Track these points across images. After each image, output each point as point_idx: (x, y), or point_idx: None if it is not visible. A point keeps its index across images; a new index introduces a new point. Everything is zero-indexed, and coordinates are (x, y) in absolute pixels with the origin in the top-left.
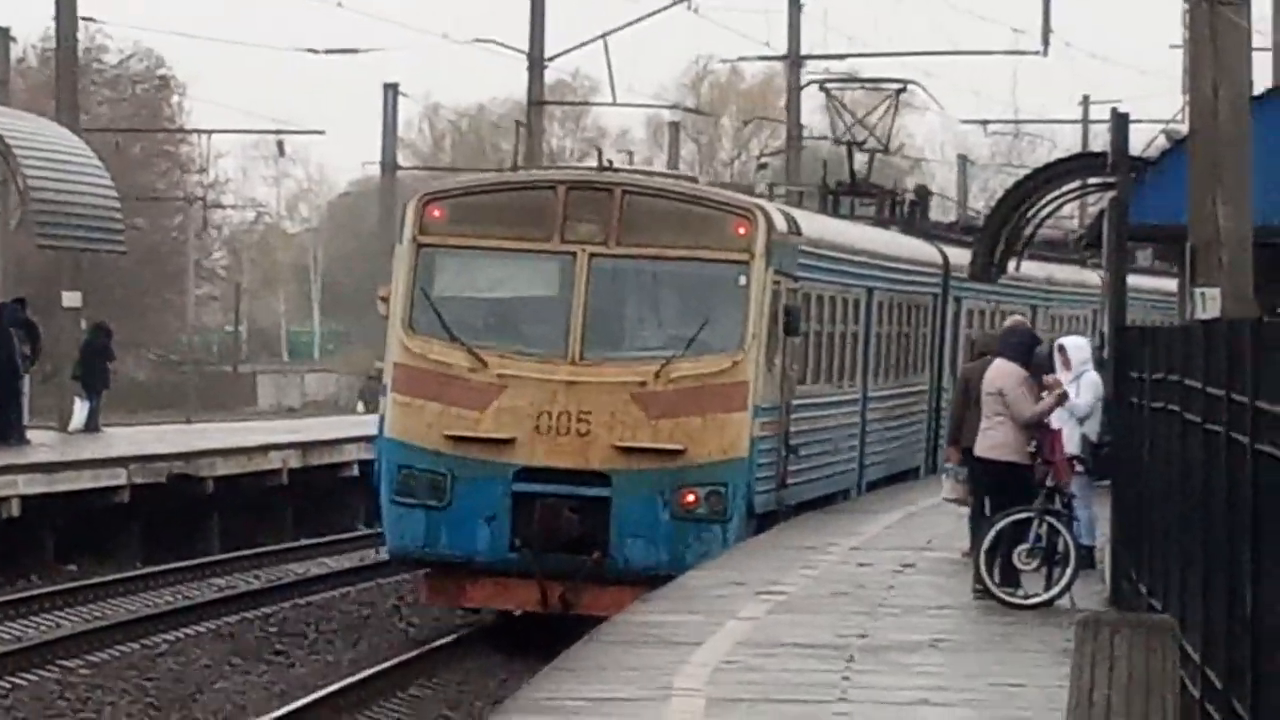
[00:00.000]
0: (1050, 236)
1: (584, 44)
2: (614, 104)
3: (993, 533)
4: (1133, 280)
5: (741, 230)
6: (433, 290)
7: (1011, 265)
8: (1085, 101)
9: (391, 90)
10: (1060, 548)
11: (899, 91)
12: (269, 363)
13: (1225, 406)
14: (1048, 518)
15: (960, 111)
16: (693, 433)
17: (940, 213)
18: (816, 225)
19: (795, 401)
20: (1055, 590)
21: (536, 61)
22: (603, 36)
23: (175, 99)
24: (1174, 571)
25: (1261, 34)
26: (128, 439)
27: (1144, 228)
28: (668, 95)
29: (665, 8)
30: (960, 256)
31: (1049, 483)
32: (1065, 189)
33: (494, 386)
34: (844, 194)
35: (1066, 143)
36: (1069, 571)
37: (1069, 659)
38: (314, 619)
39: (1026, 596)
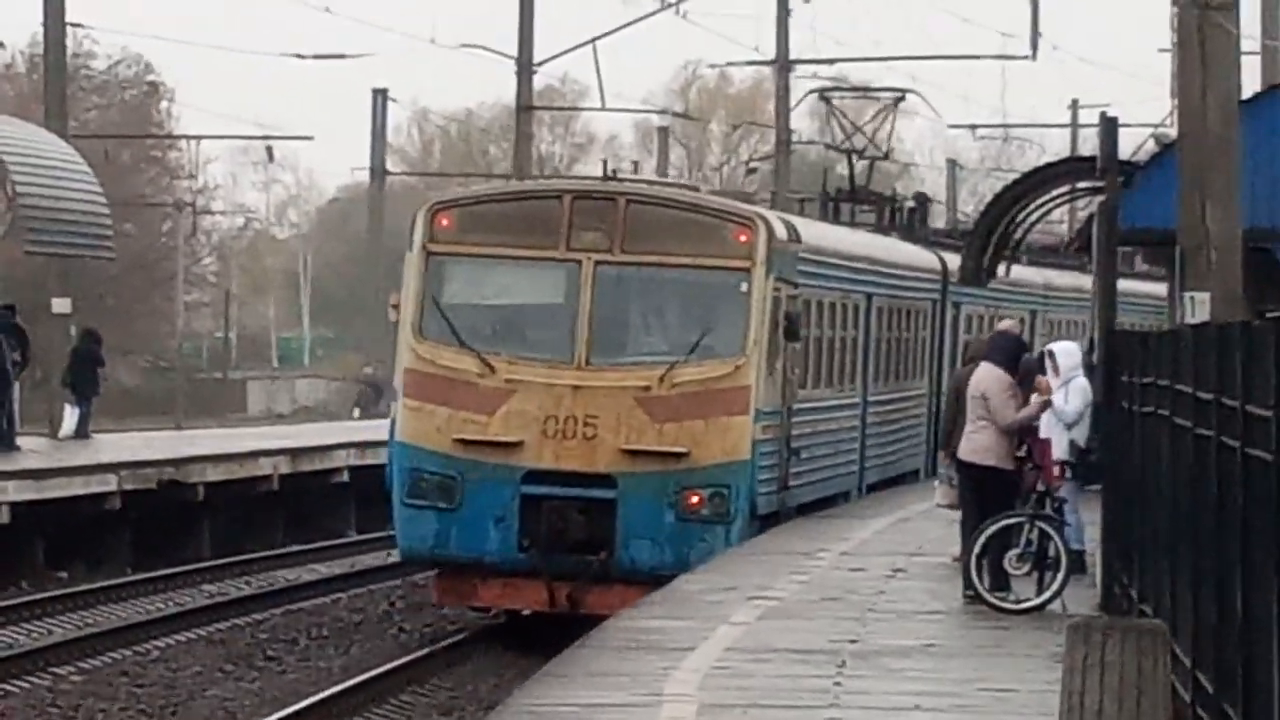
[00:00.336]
0: (1048, 243)
1: (573, 49)
2: (603, 109)
3: (983, 538)
4: (1128, 285)
5: (743, 238)
6: (442, 297)
7: (1001, 270)
8: (1074, 106)
9: (380, 95)
10: (1051, 553)
11: (898, 100)
12: (259, 369)
13: (1215, 411)
14: (1038, 522)
15: (949, 116)
16: (696, 436)
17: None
18: (816, 233)
19: (796, 405)
20: (1046, 595)
21: (525, 66)
22: (591, 41)
23: (164, 105)
24: (1165, 576)
25: (1250, 38)
26: (118, 445)
27: (1133, 232)
28: (656, 100)
29: (654, 13)
30: (958, 263)
31: (1039, 487)
32: (1054, 193)
33: (502, 391)
34: (844, 201)
35: (1055, 147)
36: (1060, 576)
37: (1060, 664)
38: (305, 625)
39: (1017, 601)
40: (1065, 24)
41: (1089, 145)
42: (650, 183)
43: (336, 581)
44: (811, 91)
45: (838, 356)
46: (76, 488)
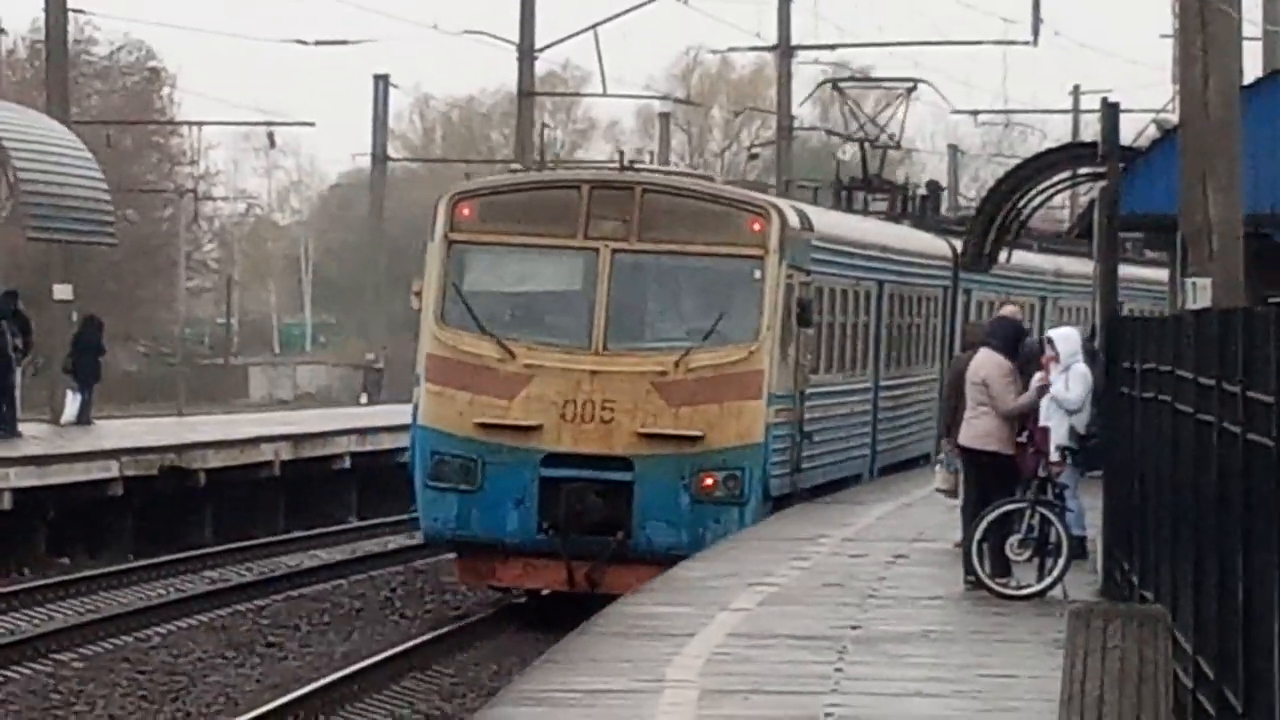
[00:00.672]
0: (1058, 230)
1: (574, 35)
2: (604, 95)
3: (984, 523)
4: (1134, 271)
5: (756, 226)
6: (463, 285)
7: (1003, 255)
8: (1076, 91)
9: (382, 82)
10: (1052, 538)
11: (909, 90)
12: (260, 355)
13: (1216, 396)
14: (1039, 508)
15: (951, 102)
16: (711, 420)
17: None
18: (828, 221)
19: (809, 390)
20: (1047, 581)
21: (527, 52)
22: (593, 27)
23: (165, 91)
24: (1165, 562)
25: (1252, 23)
26: (119, 431)
27: (1135, 217)
28: (658, 86)
29: None
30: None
31: (1040, 473)
32: (1056, 179)
33: (522, 376)
34: (857, 189)
35: (1057, 133)
36: (1061, 562)
37: (1061, 650)
38: (306, 611)
39: (1019, 587)
40: (1067, 10)
41: (1090, 131)
42: (666, 172)
43: (338, 567)
44: (825, 81)
45: (850, 342)
46: (78, 474)
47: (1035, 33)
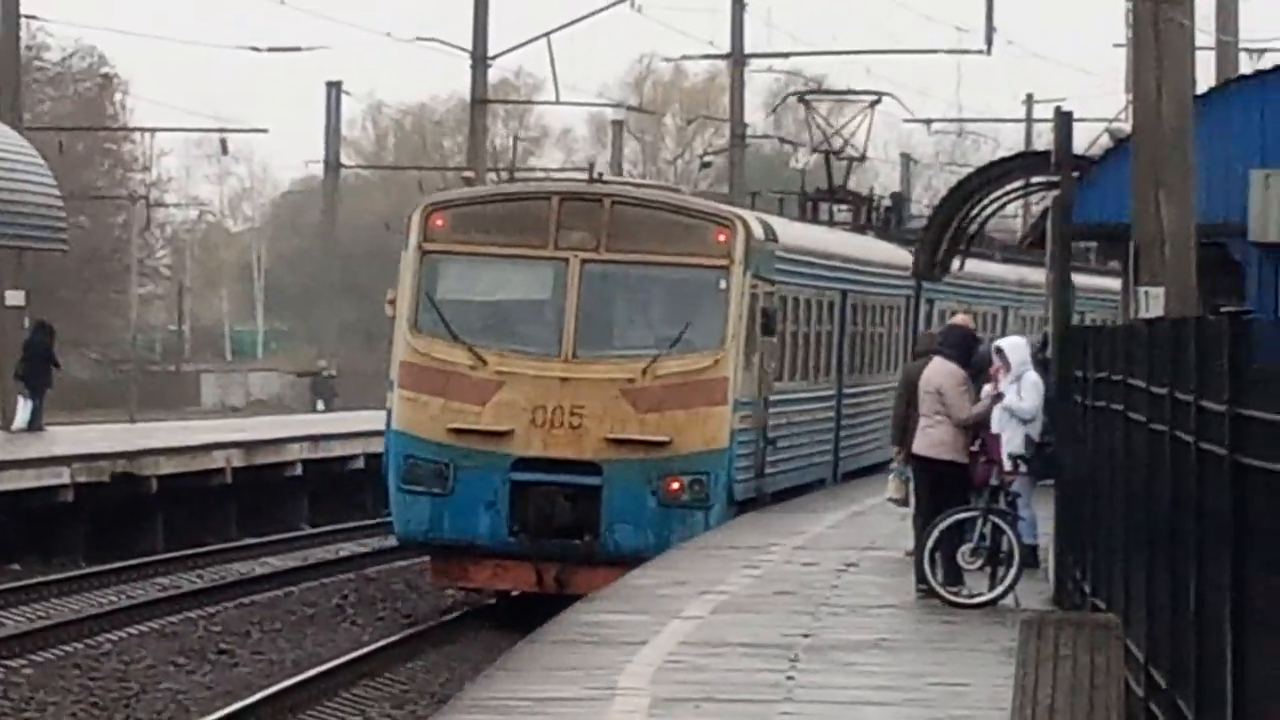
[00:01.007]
0: (1013, 239)
1: (527, 42)
2: (557, 102)
3: (936, 532)
4: (1095, 281)
5: (722, 238)
6: (436, 293)
7: (957, 264)
8: (1029, 100)
9: (334, 88)
10: (1004, 547)
11: (874, 103)
12: (212, 362)
13: (1169, 405)
14: (992, 517)
15: (903, 111)
16: (678, 425)
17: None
18: (793, 232)
19: (773, 397)
20: (999, 589)
21: (480, 60)
22: (546, 35)
23: (118, 97)
24: (1118, 570)
25: (1204, 33)
26: (71, 438)
27: (1087, 227)
28: (611, 94)
29: (608, 6)
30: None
31: (993, 481)
32: (1009, 188)
33: (493, 382)
34: (821, 200)
35: (1010, 142)
36: (1013, 571)
37: (1013, 658)
38: (258, 618)
39: (970, 596)
40: (1020, 19)
41: (1044, 140)
42: (634, 184)
43: (290, 574)
44: (791, 94)
45: (813, 350)
46: (29, 480)
47: (989, 42)
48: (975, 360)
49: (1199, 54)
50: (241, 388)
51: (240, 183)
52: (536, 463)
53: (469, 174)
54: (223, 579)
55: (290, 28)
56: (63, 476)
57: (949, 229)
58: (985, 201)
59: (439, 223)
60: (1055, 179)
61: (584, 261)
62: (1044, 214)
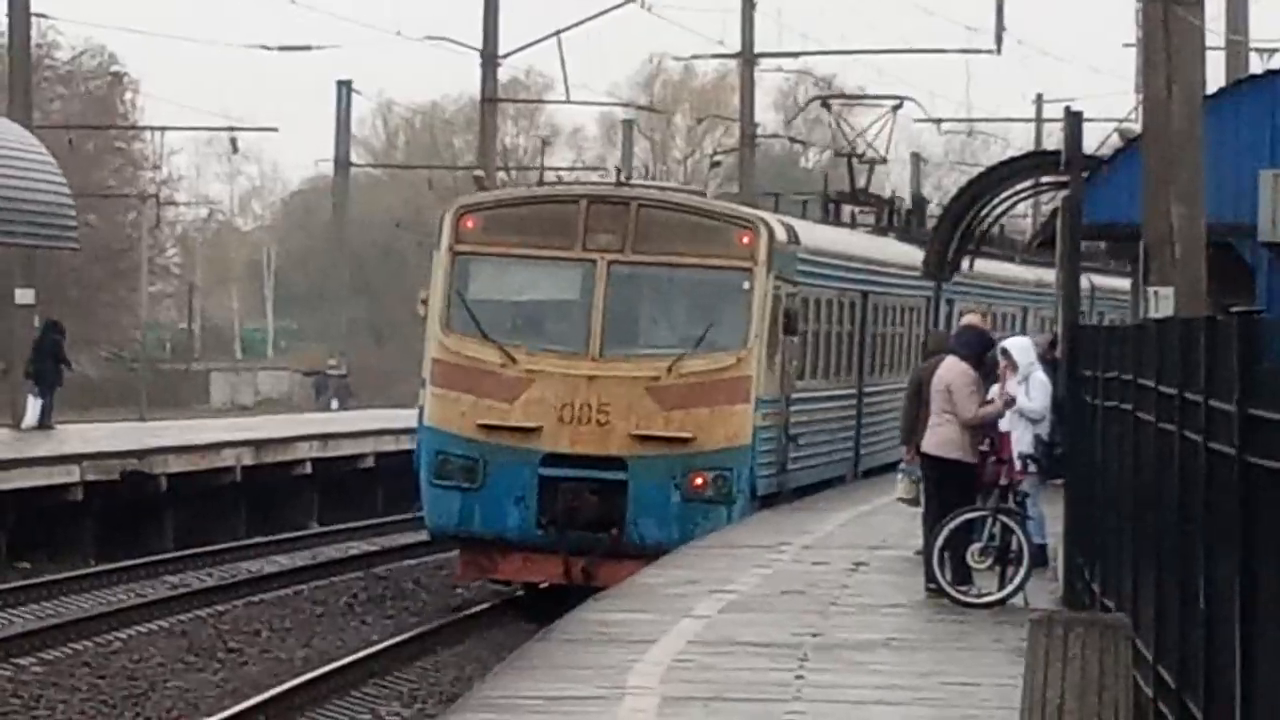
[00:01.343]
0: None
1: (537, 41)
2: (567, 101)
3: (945, 531)
4: (1114, 283)
5: (745, 240)
6: (467, 293)
7: (965, 264)
8: (1039, 100)
9: (345, 87)
10: (1013, 546)
11: (896, 107)
12: (222, 360)
13: (1178, 405)
14: (1001, 516)
15: (914, 110)
16: (701, 422)
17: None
18: (815, 235)
19: (794, 395)
20: (1008, 589)
21: (490, 59)
22: (556, 34)
23: (128, 95)
24: (1127, 570)
25: (1215, 33)
26: (80, 436)
27: (1097, 226)
28: (621, 93)
29: (619, 5)
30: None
31: (1002, 481)
32: (1018, 187)
33: (522, 380)
34: (844, 202)
35: (1020, 141)
36: (1022, 570)
37: (1022, 658)
38: (267, 617)
39: (980, 595)
40: (1030, 18)
41: (1053, 140)
42: (660, 188)
43: (299, 573)
44: (814, 98)
45: (835, 350)
46: (39, 478)
47: (999, 41)
48: (987, 361)
49: (1209, 54)
50: (251, 386)
51: (250, 181)
52: (564, 458)
53: (479, 173)
54: (232, 577)
55: (300, 26)
56: (72, 475)
57: (959, 229)
58: (995, 201)
59: (470, 224)
60: (1065, 179)
61: (611, 263)
62: (1054, 214)
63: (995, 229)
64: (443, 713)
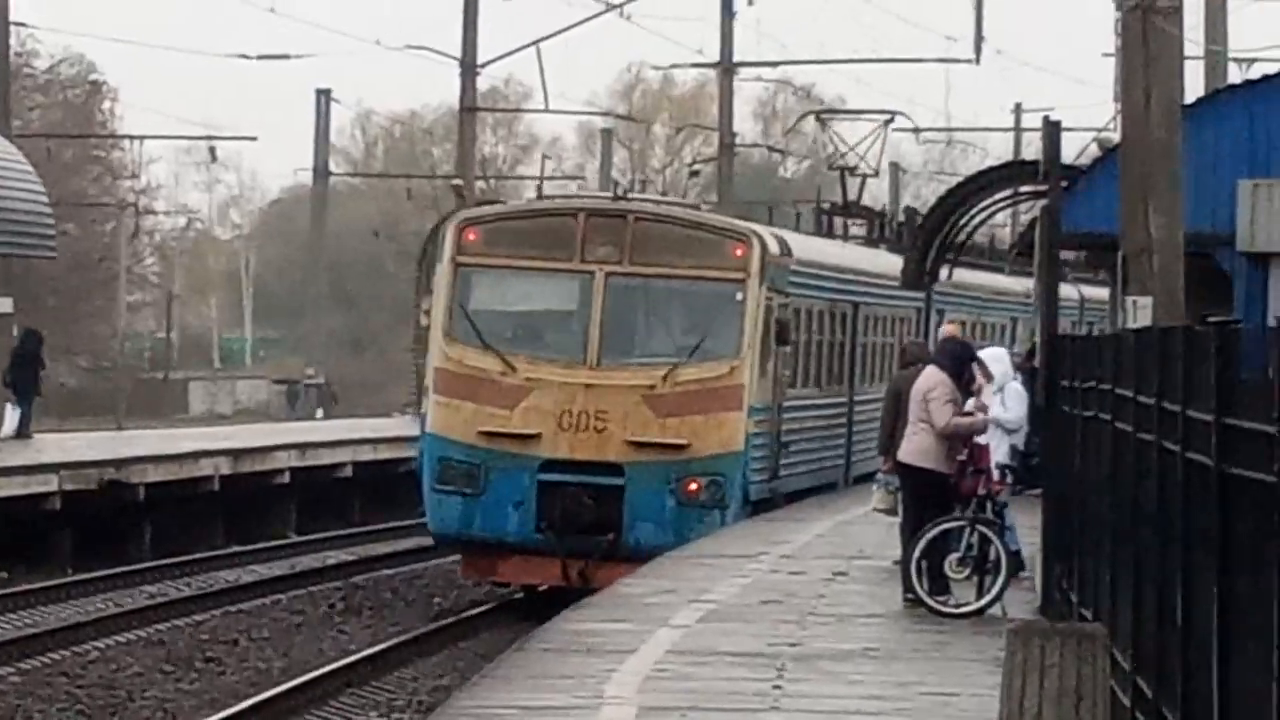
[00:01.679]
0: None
1: (516, 50)
2: (546, 110)
3: (923, 541)
4: (1101, 293)
5: (739, 252)
6: (469, 304)
7: (944, 273)
8: (1017, 109)
9: (324, 96)
10: (991, 556)
11: (887, 122)
12: (201, 369)
13: (1156, 415)
14: (979, 527)
15: (913, 119)
16: (696, 429)
17: None
18: (807, 247)
19: (786, 403)
20: (986, 599)
21: (469, 68)
22: (535, 43)
23: (107, 104)
24: (1105, 580)
25: (1193, 42)
26: (58, 446)
27: (1076, 236)
28: (600, 102)
29: (598, 15)
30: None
31: (980, 491)
32: (997, 197)
33: (522, 388)
34: (837, 214)
35: (999, 151)
36: (1000, 580)
37: (1000, 668)
38: (245, 626)
39: (957, 605)
40: (1009, 28)
41: (1032, 149)
42: (656, 201)
43: (276, 583)
44: (809, 113)
45: (826, 359)
46: (16, 488)
47: (977, 50)
48: (967, 372)
49: (1188, 64)
50: (230, 396)
51: (229, 190)
52: (563, 464)
53: (458, 182)
54: (210, 587)
55: (280, 36)
56: (50, 484)
57: (937, 238)
58: (974, 211)
59: (471, 237)
60: (1043, 188)
61: (608, 274)
62: (1032, 223)
63: (985, 240)
64: None
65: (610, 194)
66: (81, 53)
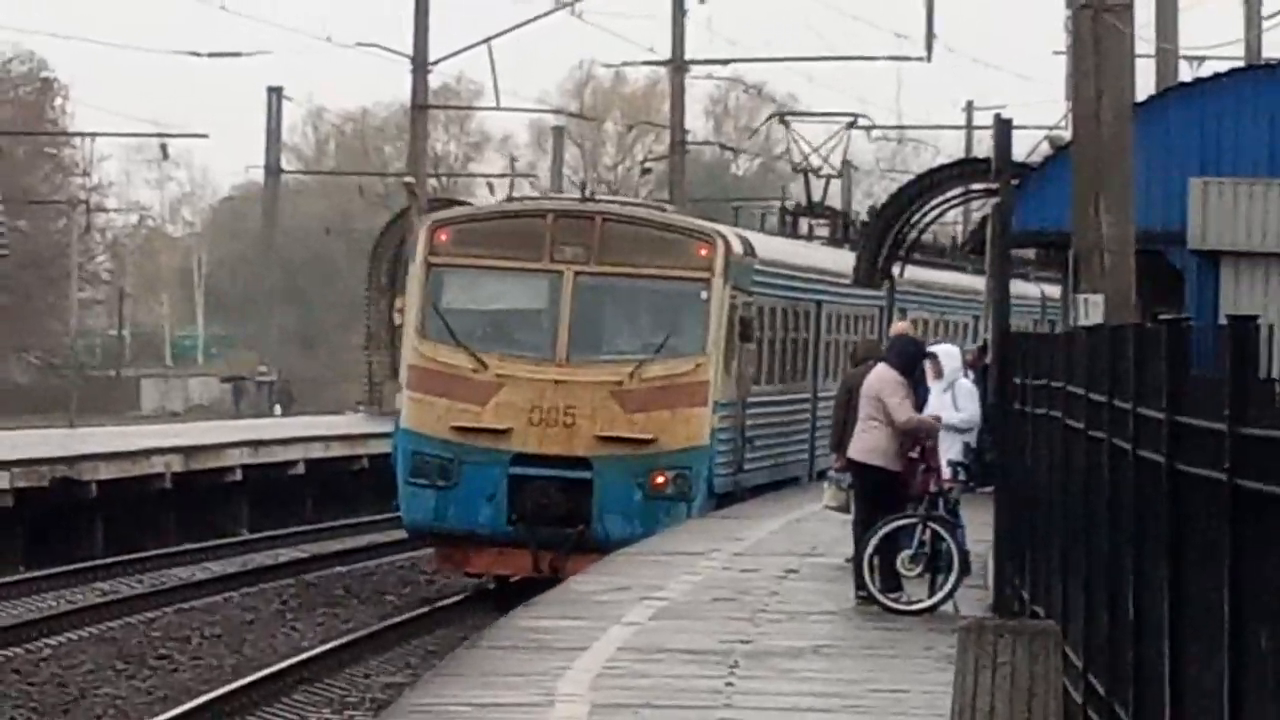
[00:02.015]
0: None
1: (468, 48)
2: (498, 108)
3: (875, 538)
4: (1054, 290)
5: (703, 252)
6: (441, 303)
7: (896, 270)
8: (969, 107)
9: (275, 94)
10: (943, 553)
11: (850, 124)
12: (152, 367)
13: (1107, 412)
14: (931, 523)
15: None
16: (662, 424)
17: None
18: (770, 247)
19: (751, 399)
20: (938, 596)
21: (420, 65)
22: (486, 41)
23: (58, 102)
24: (1057, 577)
25: (1144, 40)
26: (10, 443)
27: (1027, 234)
28: (551, 100)
29: (549, 12)
30: (906, 271)
31: (932, 488)
32: (948, 195)
33: (493, 384)
34: (801, 215)
35: (950, 149)
36: (952, 578)
37: (952, 665)
38: (197, 624)
39: (909, 602)
40: (960, 25)
41: (984, 147)
42: (623, 203)
43: (229, 580)
44: (773, 115)
45: (790, 356)
46: None
47: (929, 48)
48: (919, 369)
49: (1139, 62)
50: (181, 393)
51: (180, 188)
52: (533, 458)
53: (409, 180)
54: (162, 584)
55: (230, 33)
56: (2, 481)
57: (888, 236)
58: (925, 209)
59: (443, 238)
60: (995, 186)
61: (577, 273)
62: (984, 221)
63: (945, 239)
64: (373, 719)
65: (578, 195)
66: (32, 50)
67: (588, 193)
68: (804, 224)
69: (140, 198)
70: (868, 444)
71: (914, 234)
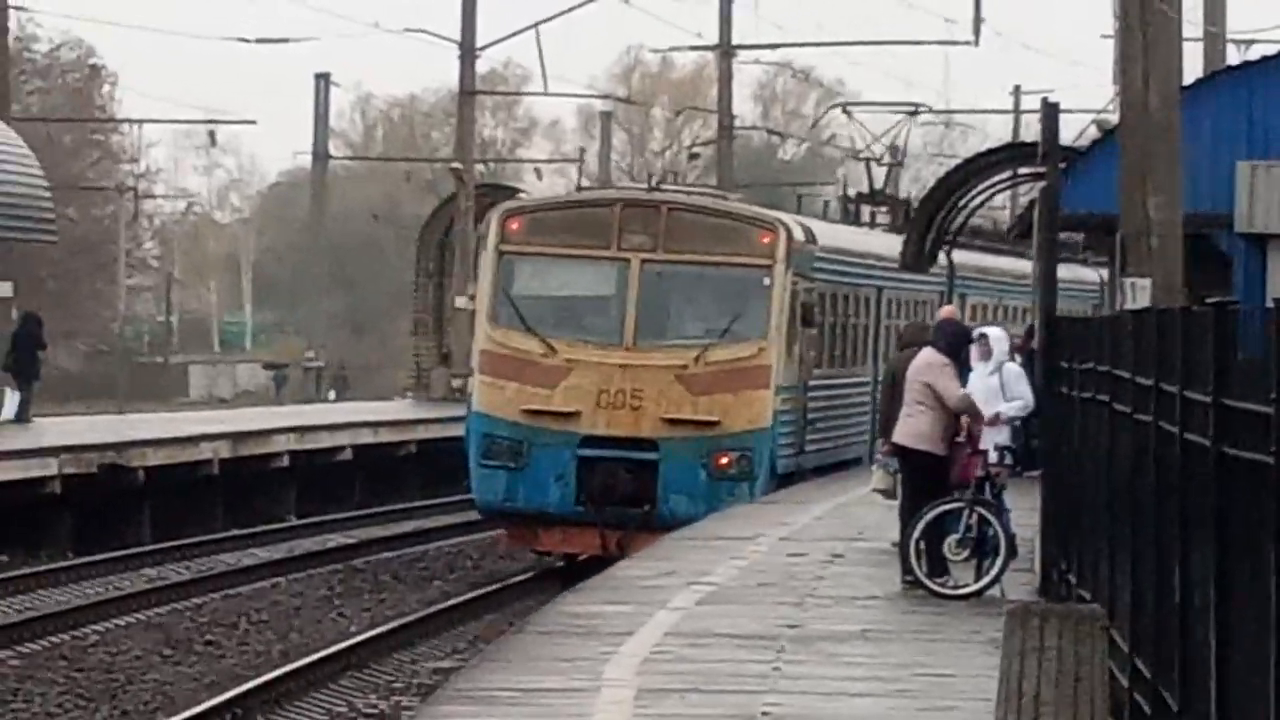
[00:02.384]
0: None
1: (515, 33)
2: (545, 94)
3: (922, 523)
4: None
5: (766, 240)
6: (512, 290)
7: (942, 255)
8: (1016, 91)
9: (323, 80)
10: (990, 538)
11: (911, 113)
12: (200, 353)
13: (1154, 396)
14: (978, 508)
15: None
16: (726, 407)
17: None
18: (831, 234)
19: (812, 382)
20: (985, 580)
21: (468, 51)
22: (534, 26)
23: (106, 88)
24: (1103, 561)
25: (1192, 24)
26: (58, 429)
27: (1075, 217)
28: (599, 85)
29: None
30: (964, 258)
31: (978, 473)
32: (996, 179)
33: (562, 369)
34: (863, 203)
35: (998, 133)
36: (999, 562)
37: (998, 649)
38: (244, 610)
39: (956, 587)
40: (1008, 10)
41: (1031, 131)
42: (688, 191)
43: (276, 566)
44: (835, 105)
45: (850, 340)
46: (16, 472)
47: (976, 33)
48: (964, 353)
49: (1186, 45)
50: (229, 379)
51: (228, 174)
52: (601, 440)
53: (457, 165)
54: (210, 570)
55: (279, 19)
56: (50, 468)
57: (936, 220)
58: (973, 193)
59: (514, 226)
60: (1042, 170)
61: (643, 261)
62: (1031, 205)
63: (1002, 224)
64: (420, 705)
65: (645, 185)
66: (81, 37)
67: (654, 182)
68: (865, 211)
69: (188, 184)
70: (914, 428)
71: (961, 218)
